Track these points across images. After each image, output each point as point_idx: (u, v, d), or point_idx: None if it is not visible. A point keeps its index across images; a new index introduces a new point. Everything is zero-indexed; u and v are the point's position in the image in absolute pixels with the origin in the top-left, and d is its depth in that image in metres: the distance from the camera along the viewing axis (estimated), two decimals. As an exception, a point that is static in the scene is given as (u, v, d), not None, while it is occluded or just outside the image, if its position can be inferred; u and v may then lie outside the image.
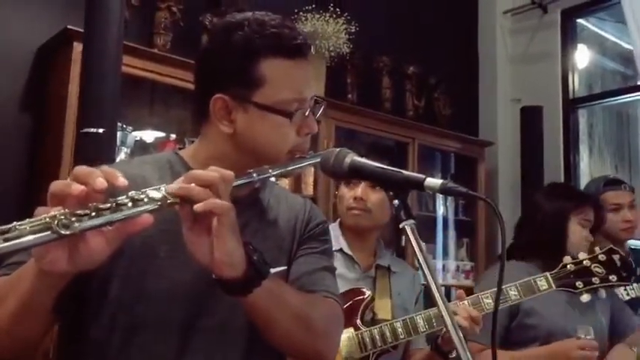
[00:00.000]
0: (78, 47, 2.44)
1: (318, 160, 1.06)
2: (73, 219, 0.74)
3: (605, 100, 4.61)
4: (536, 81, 4.28)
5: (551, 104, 4.08)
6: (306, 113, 1.09)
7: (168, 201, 0.84)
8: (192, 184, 0.86)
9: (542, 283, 1.83)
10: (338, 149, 1.02)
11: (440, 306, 0.86)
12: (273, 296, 0.97)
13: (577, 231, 2.05)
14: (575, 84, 4.32)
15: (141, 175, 1.06)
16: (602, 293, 1.85)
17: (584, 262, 1.86)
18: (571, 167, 4.19)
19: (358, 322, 1.77)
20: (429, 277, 0.87)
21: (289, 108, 1.05)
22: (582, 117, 4.49)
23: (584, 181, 4.18)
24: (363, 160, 1.00)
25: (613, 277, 1.84)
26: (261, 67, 1.04)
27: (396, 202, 0.92)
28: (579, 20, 4.46)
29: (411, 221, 0.91)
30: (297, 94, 1.06)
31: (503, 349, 1.92)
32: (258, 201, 1.15)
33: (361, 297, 1.81)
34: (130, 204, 0.80)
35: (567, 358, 1.81)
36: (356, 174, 1.00)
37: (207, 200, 0.85)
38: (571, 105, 4.26)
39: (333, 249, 1.87)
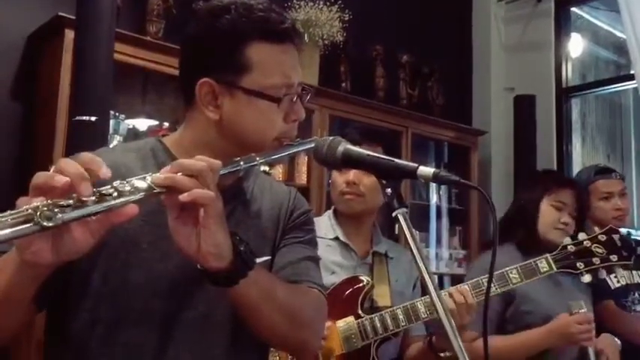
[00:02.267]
0: (69, 35, 2.42)
1: (306, 147, 1.05)
2: (56, 210, 0.72)
3: (598, 89, 4.63)
4: (529, 70, 4.29)
5: (544, 93, 4.08)
6: (294, 99, 1.07)
7: (154, 191, 0.82)
8: (178, 174, 0.85)
9: (542, 265, 1.82)
10: (331, 137, 1.01)
11: (432, 294, 0.87)
12: (259, 287, 0.97)
13: (548, 212, 2.05)
14: (569, 73, 4.32)
15: (124, 164, 1.04)
16: (603, 273, 1.84)
17: (585, 242, 1.85)
18: (564, 156, 4.20)
19: (359, 310, 1.76)
20: (421, 265, 0.87)
21: (277, 93, 1.04)
22: (575, 106, 4.50)
23: (576, 169, 4.20)
24: (356, 148, 1.00)
25: (614, 257, 1.83)
26: (248, 52, 1.02)
27: (388, 190, 0.93)
28: (573, 9, 4.47)
29: (404, 209, 0.91)
30: (285, 79, 1.05)
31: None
32: (241, 190, 1.14)
33: (361, 285, 1.79)
34: (114, 194, 0.78)
35: (566, 335, 1.81)
36: (349, 162, 1.00)
37: (192, 190, 0.83)
38: (564, 94, 4.27)
39: (329, 237, 1.89)
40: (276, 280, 1.06)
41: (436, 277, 3.94)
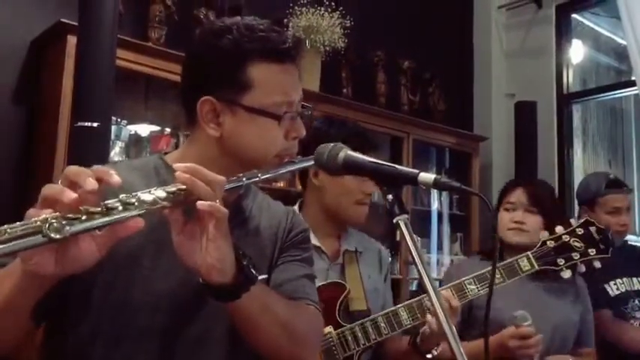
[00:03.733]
0: (72, 40, 2.43)
1: (306, 164, 1.07)
2: (64, 222, 0.74)
3: (599, 96, 4.63)
4: (530, 76, 4.29)
5: (545, 99, 4.09)
6: (294, 117, 1.09)
7: (159, 205, 0.83)
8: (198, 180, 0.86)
9: (524, 263, 1.79)
10: (332, 144, 1.01)
11: (434, 303, 0.87)
12: (259, 301, 0.97)
13: (502, 216, 2.06)
14: (570, 79, 4.33)
15: (128, 181, 1.04)
16: (582, 268, 1.82)
17: (564, 237, 1.83)
18: (565, 162, 4.20)
19: (338, 319, 1.70)
20: (423, 272, 0.87)
21: (278, 111, 1.06)
22: (576, 112, 4.50)
23: (577, 176, 4.20)
24: (357, 154, 1.00)
25: (592, 251, 1.82)
26: (249, 71, 1.05)
27: (389, 196, 0.93)
28: (574, 15, 4.47)
29: (405, 216, 0.91)
30: (285, 97, 1.07)
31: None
32: (241, 209, 1.15)
33: (338, 292, 1.73)
34: (120, 207, 0.79)
35: (505, 349, 1.77)
36: (350, 169, 1.00)
37: (212, 203, 0.85)
38: (565, 100, 4.28)
39: None
40: (276, 295, 1.07)
41: (437, 282, 3.93)
